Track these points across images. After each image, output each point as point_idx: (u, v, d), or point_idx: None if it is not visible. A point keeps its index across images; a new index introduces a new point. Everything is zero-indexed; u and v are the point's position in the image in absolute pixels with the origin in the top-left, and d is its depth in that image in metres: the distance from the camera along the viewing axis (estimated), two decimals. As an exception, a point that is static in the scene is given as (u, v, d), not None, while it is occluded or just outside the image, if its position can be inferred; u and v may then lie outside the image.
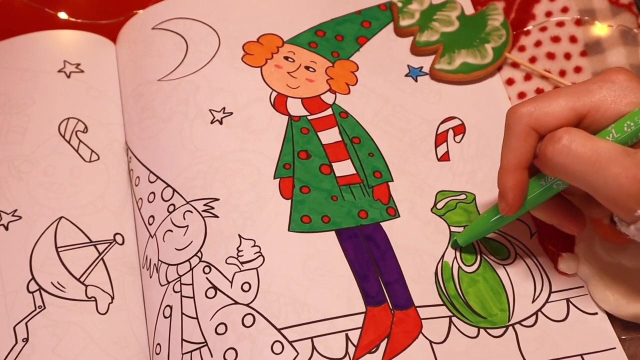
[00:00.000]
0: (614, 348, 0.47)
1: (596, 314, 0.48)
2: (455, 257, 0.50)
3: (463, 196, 0.52)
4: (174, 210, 0.52)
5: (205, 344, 0.47)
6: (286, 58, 0.58)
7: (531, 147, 0.42)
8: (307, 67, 0.57)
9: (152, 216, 0.52)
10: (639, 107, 0.40)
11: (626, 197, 0.39)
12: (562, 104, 0.42)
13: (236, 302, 0.47)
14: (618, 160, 0.39)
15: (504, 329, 0.48)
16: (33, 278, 0.51)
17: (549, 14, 0.60)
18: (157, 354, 0.48)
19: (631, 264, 0.48)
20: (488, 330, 0.47)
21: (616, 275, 0.48)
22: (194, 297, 0.48)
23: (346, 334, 0.46)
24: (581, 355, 0.47)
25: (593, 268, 0.48)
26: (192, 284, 0.49)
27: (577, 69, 0.57)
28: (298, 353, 0.45)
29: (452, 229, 0.51)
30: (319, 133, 0.54)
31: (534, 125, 0.42)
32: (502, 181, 0.44)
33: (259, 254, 0.49)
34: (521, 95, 0.57)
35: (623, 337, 0.48)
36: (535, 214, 0.46)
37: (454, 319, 0.48)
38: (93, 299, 0.50)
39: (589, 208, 0.45)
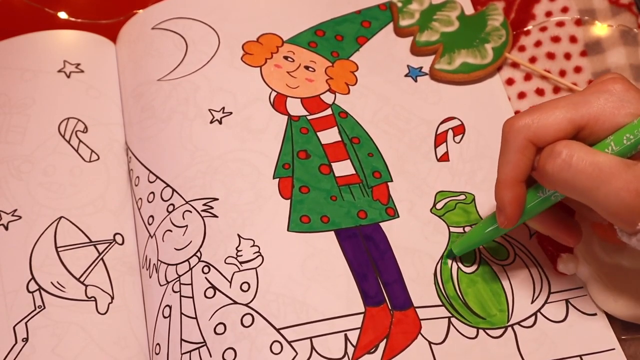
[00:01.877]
0: (613, 349, 0.47)
1: (595, 314, 0.48)
2: (455, 257, 0.50)
3: (462, 197, 0.52)
4: (174, 210, 0.52)
5: (204, 343, 0.47)
6: (286, 58, 0.58)
7: (529, 160, 0.42)
8: (306, 67, 0.57)
9: (152, 216, 0.52)
10: (637, 118, 0.40)
11: (628, 211, 0.38)
12: (559, 115, 0.41)
13: (235, 302, 0.47)
14: (619, 174, 0.38)
15: (503, 329, 0.48)
16: (33, 278, 0.51)
17: (549, 14, 0.60)
18: (157, 353, 0.48)
19: (630, 265, 0.48)
20: (487, 330, 0.47)
21: (615, 276, 0.48)
22: (193, 297, 0.48)
23: (345, 334, 0.46)
24: (580, 356, 0.47)
25: (592, 269, 0.48)
26: (191, 284, 0.49)
27: (577, 69, 0.57)
28: (297, 353, 0.45)
29: (452, 229, 0.51)
30: (318, 133, 0.54)
31: (532, 139, 0.41)
32: (501, 195, 0.43)
33: (258, 253, 0.49)
34: (521, 95, 0.57)
35: (623, 337, 0.48)
36: (531, 225, 0.46)
37: (453, 319, 0.48)
38: (93, 299, 0.50)
39: (588, 213, 0.45)
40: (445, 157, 0.54)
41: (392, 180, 0.53)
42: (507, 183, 0.43)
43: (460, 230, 0.51)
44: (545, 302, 0.49)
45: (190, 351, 0.47)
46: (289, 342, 0.46)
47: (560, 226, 0.45)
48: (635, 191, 0.38)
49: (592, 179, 0.38)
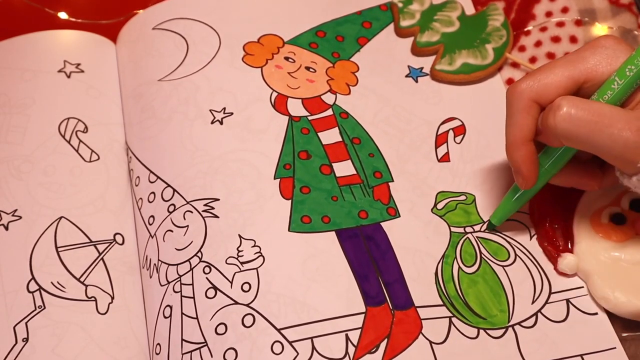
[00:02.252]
0: (614, 348, 0.47)
1: (596, 314, 0.48)
2: (455, 257, 0.50)
3: (463, 197, 0.52)
4: (174, 210, 0.52)
5: (205, 344, 0.47)
6: (287, 58, 0.58)
7: (534, 119, 0.44)
8: (307, 68, 0.57)
9: (152, 216, 0.52)
10: (636, 49, 0.42)
11: (632, 150, 0.40)
12: (559, 74, 0.43)
13: (236, 302, 0.47)
14: (620, 116, 0.40)
15: (504, 329, 0.48)
16: (33, 278, 0.51)
17: (549, 14, 0.60)
18: (157, 354, 0.48)
19: (631, 262, 0.48)
20: (488, 331, 0.47)
21: (616, 274, 0.48)
22: (194, 297, 0.48)
23: (346, 334, 0.46)
24: (581, 355, 0.47)
25: (593, 267, 0.48)
26: (192, 284, 0.49)
27: (577, 69, 0.57)
28: (298, 353, 0.45)
29: (453, 229, 0.51)
30: (319, 133, 0.54)
31: (535, 98, 0.44)
32: (513, 157, 0.45)
33: (259, 254, 0.49)
34: (521, 95, 0.57)
35: (624, 335, 0.48)
36: (554, 182, 0.47)
37: (453, 319, 0.48)
38: (93, 299, 0.50)
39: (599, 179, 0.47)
40: (446, 158, 0.54)
41: (393, 180, 0.53)
42: (516, 143, 0.45)
43: (461, 230, 0.51)
44: (546, 302, 0.49)
45: (191, 351, 0.47)
46: (290, 342, 0.46)
47: (581, 173, 0.47)
48: (637, 129, 0.40)
49: (594, 124, 0.40)
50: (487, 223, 0.51)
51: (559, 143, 0.43)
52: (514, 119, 0.45)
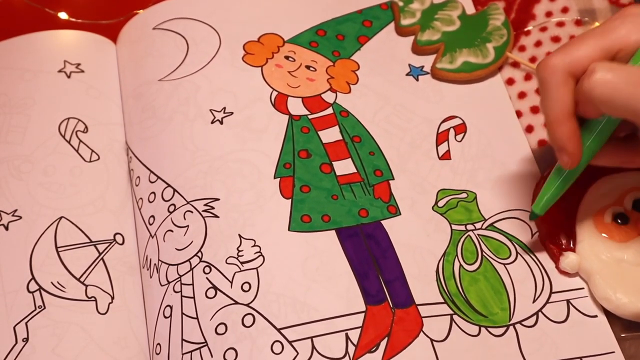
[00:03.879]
0: (613, 352, 0.47)
1: (596, 316, 0.48)
2: (457, 255, 0.50)
3: (464, 195, 0.52)
4: (175, 210, 0.52)
5: (205, 344, 0.47)
6: (287, 57, 0.58)
7: (572, 92, 0.42)
8: (307, 67, 0.57)
9: (153, 216, 0.52)
10: None
11: None
12: (591, 44, 0.42)
13: (236, 302, 0.47)
14: None
15: (505, 328, 0.47)
16: (33, 278, 0.51)
17: (549, 14, 0.60)
18: (157, 354, 0.48)
19: (633, 263, 0.48)
20: (489, 329, 0.47)
21: (618, 274, 0.48)
22: (194, 297, 0.48)
23: (346, 334, 0.46)
24: (580, 357, 0.47)
25: (595, 267, 0.48)
26: (192, 284, 0.49)
27: (578, 69, 0.57)
28: (298, 353, 0.45)
29: (454, 227, 0.51)
30: (319, 132, 0.54)
31: (570, 71, 0.42)
32: (557, 134, 0.43)
33: (259, 253, 0.49)
34: (521, 95, 0.57)
35: (623, 335, 0.48)
36: (597, 162, 0.46)
37: (455, 317, 0.48)
38: (93, 299, 0.50)
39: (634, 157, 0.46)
40: (446, 156, 0.54)
41: (393, 179, 0.53)
42: (558, 120, 0.43)
43: (462, 227, 0.51)
44: (547, 302, 0.49)
45: (191, 351, 0.47)
46: (290, 342, 0.46)
47: (623, 152, 0.46)
48: None
49: (632, 85, 0.39)
50: (530, 214, 0.49)
51: (597, 112, 0.42)
52: (552, 94, 0.43)
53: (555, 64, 0.42)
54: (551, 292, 0.49)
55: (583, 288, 0.49)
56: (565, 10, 0.59)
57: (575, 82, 0.42)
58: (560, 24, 0.59)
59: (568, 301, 0.49)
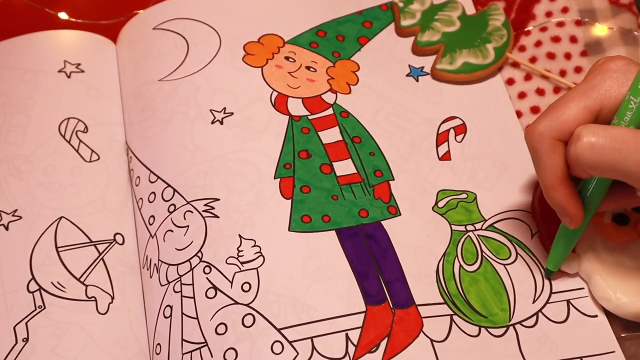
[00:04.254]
0: (613, 352, 0.47)
1: (596, 316, 0.48)
2: (457, 255, 0.50)
3: (464, 195, 0.52)
4: (175, 210, 0.52)
5: (205, 344, 0.47)
6: (287, 58, 0.58)
7: (562, 157, 0.43)
8: (308, 67, 0.57)
9: (153, 216, 0.52)
10: None
11: None
12: (574, 107, 0.42)
13: (236, 302, 0.47)
14: None
15: (505, 328, 0.47)
16: (33, 278, 0.51)
17: (549, 14, 0.60)
18: (157, 354, 0.48)
19: (633, 263, 0.48)
20: (489, 329, 0.47)
21: (618, 275, 0.48)
22: (194, 297, 0.48)
23: (346, 334, 0.46)
24: (580, 357, 0.47)
25: (595, 267, 0.48)
26: (193, 284, 0.49)
27: (578, 69, 0.57)
28: (298, 353, 0.45)
29: (454, 227, 0.51)
30: (319, 132, 0.54)
31: (557, 136, 0.42)
32: (555, 199, 0.44)
33: (259, 254, 0.49)
34: (521, 95, 0.57)
35: (623, 335, 0.48)
36: (604, 209, 0.46)
37: (455, 317, 0.48)
38: (93, 299, 0.50)
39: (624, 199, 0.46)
40: (447, 156, 0.54)
41: (393, 179, 0.53)
42: (553, 186, 0.43)
43: (462, 228, 0.51)
44: (547, 302, 0.49)
45: (191, 351, 0.47)
46: (290, 342, 0.46)
47: (623, 195, 0.45)
48: None
49: (618, 151, 0.39)
50: (545, 271, 0.49)
51: (586, 173, 0.42)
52: (543, 162, 0.43)
53: (541, 131, 0.42)
54: (551, 293, 0.49)
55: (583, 288, 0.49)
56: (565, 10, 0.59)
57: (564, 145, 0.43)
58: (560, 24, 0.59)
59: (568, 301, 0.49)
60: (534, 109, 0.56)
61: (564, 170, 0.43)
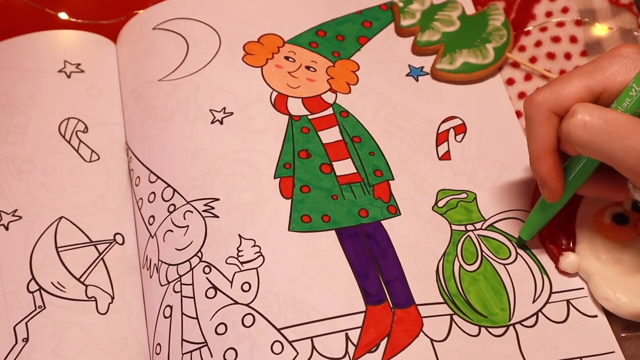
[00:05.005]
0: (613, 352, 0.47)
1: (596, 316, 0.48)
2: (457, 255, 0.50)
3: (464, 195, 0.52)
4: (174, 210, 0.52)
5: (205, 344, 0.47)
6: (287, 58, 0.58)
7: (554, 130, 0.43)
8: (307, 67, 0.57)
9: (153, 216, 0.52)
10: None
11: None
12: (576, 84, 0.42)
13: (236, 302, 0.47)
14: (635, 127, 0.39)
15: (505, 328, 0.47)
16: (33, 278, 0.51)
17: (549, 14, 0.60)
18: (157, 354, 0.48)
19: (633, 263, 0.48)
20: (489, 329, 0.47)
21: (617, 274, 0.48)
22: (194, 297, 0.48)
23: (346, 334, 0.46)
24: (580, 357, 0.47)
25: (594, 267, 0.48)
26: (192, 284, 0.49)
27: (578, 69, 0.57)
28: (298, 353, 0.45)
29: (453, 227, 0.51)
30: (319, 132, 0.54)
31: (553, 109, 0.43)
32: (538, 170, 0.44)
33: (259, 253, 0.49)
34: (521, 95, 0.57)
35: (623, 335, 0.48)
36: (583, 193, 0.47)
37: (455, 317, 0.48)
38: (93, 299, 0.50)
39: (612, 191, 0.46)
40: (446, 156, 0.54)
41: (393, 179, 0.53)
42: (539, 156, 0.44)
43: (462, 228, 0.51)
44: (547, 302, 0.49)
45: (191, 351, 0.47)
46: (290, 342, 0.46)
47: (606, 185, 0.46)
48: None
49: (609, 134, 0.39)
50: (517, 239, 0.50)
51: (575, 151, 0.43)
52: (534, 131, 0.43)
53: (539, 101, 0.43)
54: (551, 292, 0.49)
55: (583, 288, 0.49)
56: (565, 10, 0.59)
57: (559, 119, 0.43)
58: (560, 24, 0.59)
59: (568, 301, 0.49)
60: (534, 109, 0.56)
61: (552, 143, 0.43)
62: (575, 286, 0.49)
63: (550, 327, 0.48)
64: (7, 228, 0.53)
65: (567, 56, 0.58)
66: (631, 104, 0.41)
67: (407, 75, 0.58)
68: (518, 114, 0.56)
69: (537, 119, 0.43)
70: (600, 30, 0.58)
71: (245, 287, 0.48)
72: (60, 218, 0.53)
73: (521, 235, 0.50)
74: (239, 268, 0.48)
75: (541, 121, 0.43)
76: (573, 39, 0.58)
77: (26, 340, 0.49)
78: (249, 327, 0.46)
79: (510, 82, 0.58)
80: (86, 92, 0.59)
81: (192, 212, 0.51)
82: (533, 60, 0.58)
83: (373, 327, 0.46)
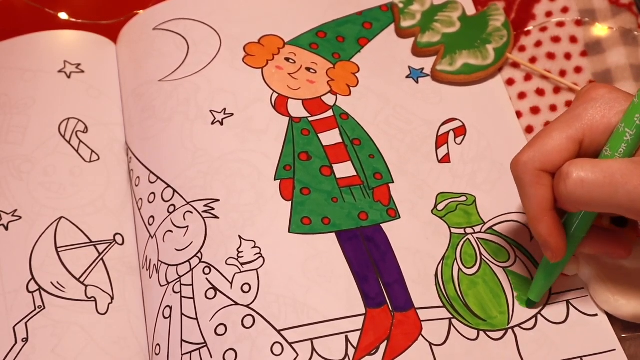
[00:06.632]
0: (614, 350, 0.47)
1: (596, 315, 0.48)
2: (456, 258, 0.50)
3: (463, 198, 0.52)
4: (174, 210, 0.52)
5: (204, 344, 0.47)
6: (287, 59, 0.58)
7: (548, 188, 0.42)
8: (308, 69, 0.57)
9: (152, 216, 0.52)
10: (636, 95, 0.40)
11: None
12: (557, 137, 0.42)
13: (236, 303, 0.47)
14: (631, 171, 0.39)
15: (504, 331, 0.47)
16: (33, 278, 0.51)
17: (549, 14, 0.60)
18: (157, 354, 0.48)
19: (631, 265, 0.48)
20: (488, 332, 0.47)
21: (617, 277, 0.48)
22: (193, 298, 0.48)
23: (346, 336, 0.46)
24: (581, 357, 0.47)
25: (594, 269, 0.48)
26: (192, 285, 0.49)
27: (578, 69, 0.57)
28: (298, 354, 0.45)
29: (453, 230, 0.51)
30: (319, 134, 0.54)
31: (541, 167, 0.42)
32: (538, 230, 0.43)
33: (259, 255, 0.49)
34: (521, 95, 0.57)
35: (623, 335, 0.48)
36: (583, 250, 0.46)
37: (453, 320, 0.48)
38: (93, 299, 0.50)
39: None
40: (446, 159, 0.54)
41: (393, 182, 0.53)
42: (537, 217, 0.43)
43: (462, 231, 0.51)
44: (546, 304, 0.49)
45: (190, 352, 0.47)
46: (290, 344, 0.46)
47: (609, 242, 0.46)
48: None
49: (608, 185, 0.39)
50: (527, 301, 0.49)
51: (578, 209, 0.42)
52: (527, 193, 0.43)
53: (525, 161, 0.42)
54: (550, 294, 0.49)
55: (582, 288, 0.49)
56: (565, 10, 0.59)
57: (550, 176, 0.42)
58: (560, 24, 0.59)
59: (568, 301, 0.49)
60: (534, 109, 0.56)
61: (548, 201, 0.42)
62: (575, 286, 0.49)
63: (549, 329, 0.48)
64: (7, 228, 0.53)
65: (567, 56, 0.58)
66: (627, 149, 0.41)
67: (407, 77, 0.58)
68: (518, 114, 0.56)
69: (527, 180, 0.42)
70: (600, 30, 0.58)
71: (245, 288, 0.48)
72: (60, 218, 0.53)
73: (530, 297, 0.48)
74: (239, 269, 0.48)
75: (531, 182, 0.42)
76: (573, 39, 0.58)
77: (26, 340, 0.49)
78: (248, 328, 0.46)
79: (510, 82, 0.58)
80: (86, 92, 0.59)
81: (192, 212, 0.51)
82: (533, 60, 0.58)
83: (373, 330, 0.46)
